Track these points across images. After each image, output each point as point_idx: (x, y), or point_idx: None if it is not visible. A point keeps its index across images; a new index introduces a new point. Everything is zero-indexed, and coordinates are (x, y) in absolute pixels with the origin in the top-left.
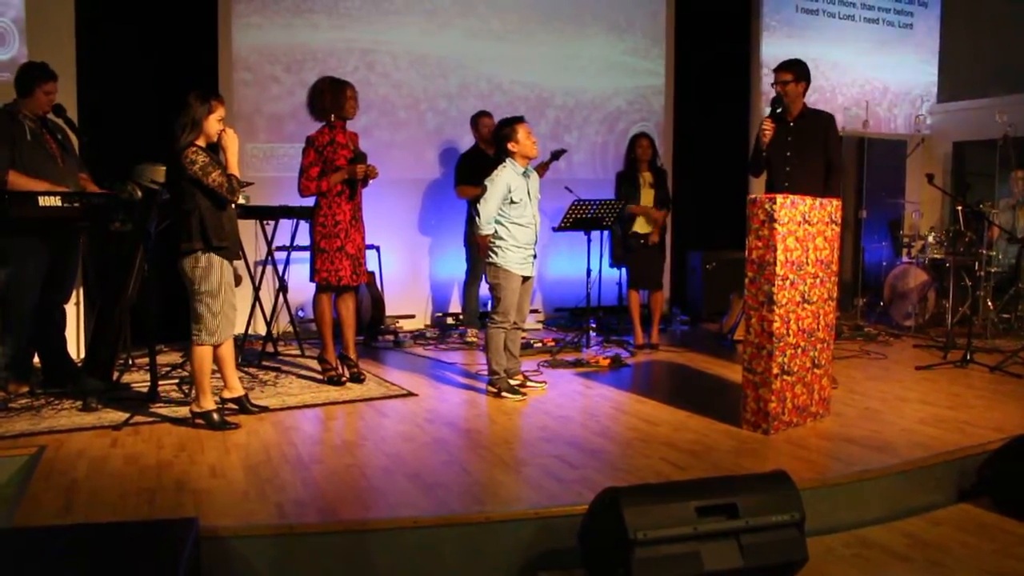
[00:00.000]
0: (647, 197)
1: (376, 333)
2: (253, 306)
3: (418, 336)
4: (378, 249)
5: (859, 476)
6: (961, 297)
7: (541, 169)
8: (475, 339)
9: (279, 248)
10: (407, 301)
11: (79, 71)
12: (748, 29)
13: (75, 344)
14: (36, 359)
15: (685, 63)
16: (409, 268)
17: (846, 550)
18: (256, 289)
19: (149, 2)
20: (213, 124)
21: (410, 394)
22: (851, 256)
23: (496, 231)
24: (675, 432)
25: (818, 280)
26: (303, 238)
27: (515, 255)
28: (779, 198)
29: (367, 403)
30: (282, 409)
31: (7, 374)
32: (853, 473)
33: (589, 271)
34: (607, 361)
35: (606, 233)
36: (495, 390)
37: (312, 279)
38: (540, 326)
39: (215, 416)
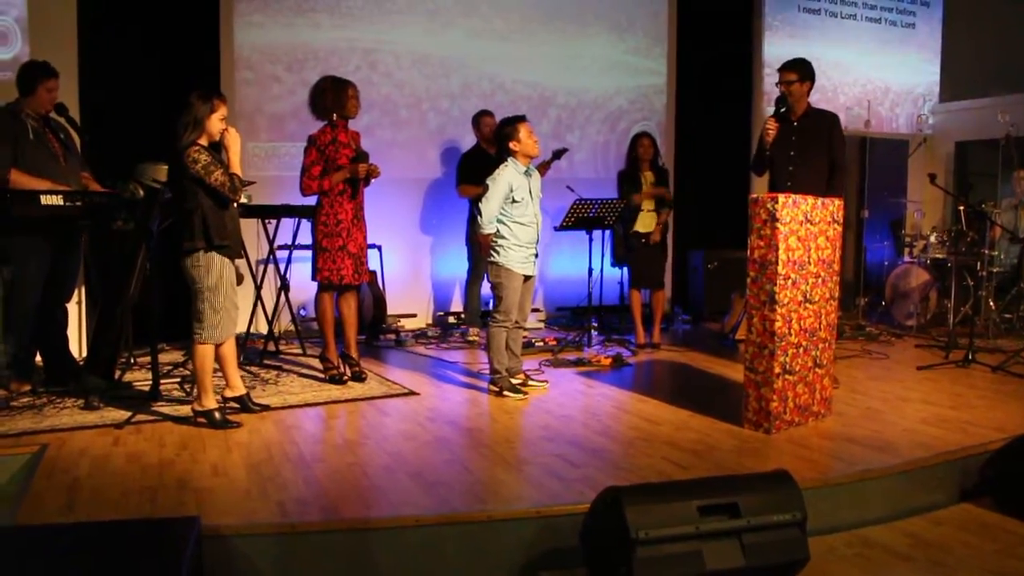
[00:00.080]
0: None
1: (378, 332)
2: (255, 305)
3: (420, 335)
4: (380, 248)
5: (861, 476)
6: (963, 297)
7: (542, 168)
8: (477, 338)
9: (281, 247)
10: (409, 300)
11: (81, 70)
12: (750, 28)
13: (77, 343)
14: (38, 358)
15: (687, 62)
16: (411, 267)
17: (848, 550)
18: (258, 288)
19: (151, 1)
20: (215, 123)
21: (412, 393)
22: (853, 256)
23: (498, 230)
24: (677, 431)
25: (820, 279)
26: (305, 237)
27: (517, 254)
28: (781, 197)
29: (369, 402)
30: (284, 408)
31: (9, 372)
32: (855, 473)
33: (591, 270)
34: (609, 360)
35: (607, 232)
36: (497, 389)
37: (314, 278)
38: (542, 325)
39: (217, 415)
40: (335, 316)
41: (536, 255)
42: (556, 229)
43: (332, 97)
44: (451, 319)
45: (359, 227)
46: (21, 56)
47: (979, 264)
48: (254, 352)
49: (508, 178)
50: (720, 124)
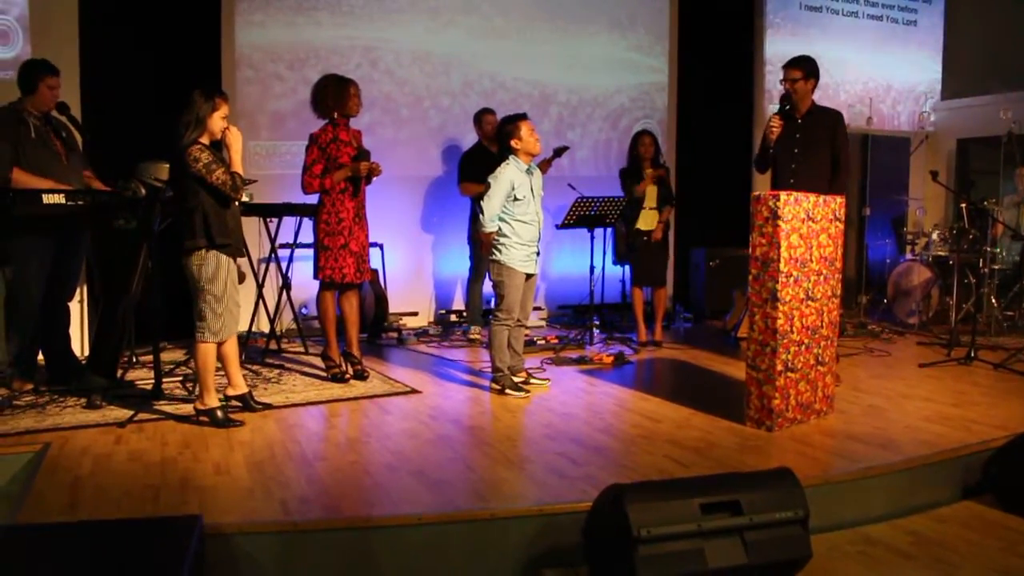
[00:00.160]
0: (650, 195)
1: (380, 330)
2: (257, 303)
3: (421, 333)
4: (381, 247)
5: (863, 473)
6: (965, 294)
7: (544, 166)
8: (479, 336)
9: (283, 245)
10: (410, 298)
11: (82, 69)
12: (751, 26)
13: (79, 342)
14: (40, 357)
15: (688, 60)
16: (412, 265)
17: (850, 547)
18: (260, 286)
19: (152, 0)
20: (217, 122)
21: (414, 391)
22: (855, 253)
23: (500, 228)
24: (679, 429)
25: (822, 277)
26: (307, 235)
27: (519, 252)
28: (783, 195)
29: (371, 400)
30: (286, 406)
31: (12, 371)
32: (857, 470)
33: (592, 268)
34: (610, 358)
35: (609, 230)
36: (499, 387)
37: (316, 276)
38: (543, 323)
39: (219, 413)
40: (337, 314)
41: (538, 253)
42: (558, 227)
43: (333, 95)
44: (453, 317)
45: (361, 225)
46: (23, 55)
47: (981, 261)
48: (256, 351)
49: (510, 176)
50: (721, 122)
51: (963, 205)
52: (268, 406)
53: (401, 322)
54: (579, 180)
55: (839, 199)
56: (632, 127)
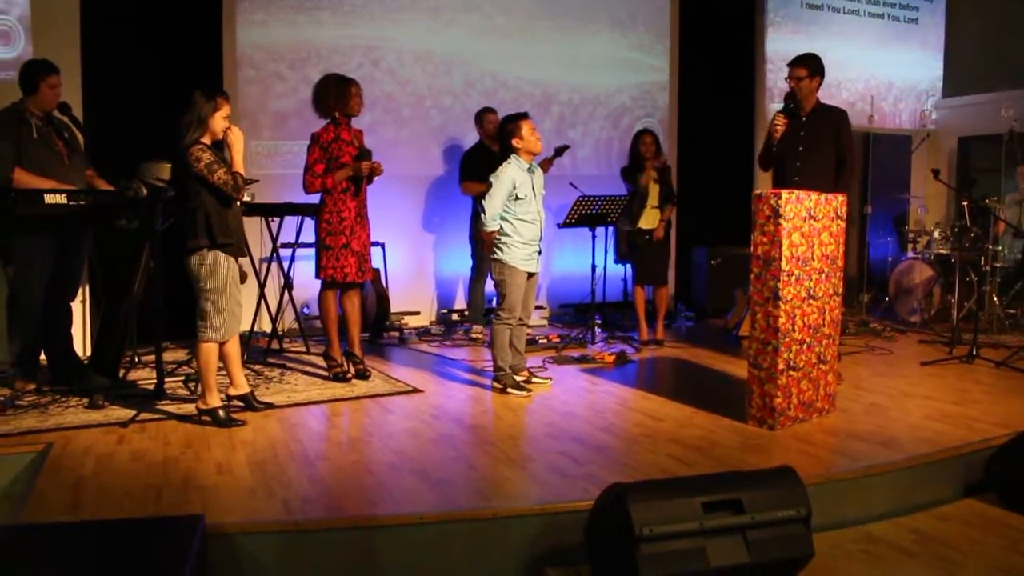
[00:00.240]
0: (653, 193)
1: (381, 330)
2: (258, 303)
3: (423, 333)
4: (383, 246)
5: (865, 472)
6: (967, 292)
7: (545, 165)
8: (480, 335)
9: (284, 245)
10: (412, 298)
11: (84, 69)
12: (752, 24)
13: (81, 341)
14: (42, 357)
15: (689, 59)
16: (414, 265)
17: (852, 546)
18: (261, 286)
19: (153, 0)
20: (218, 122)
21: (416, 390)
22: (856, 252)
23: (501, 227)
24: (680, 428)
25: (823, 276)
26: (308, 235)
27: (520, 251)
28: (784, 194)
29: (373, 400)
30: (288, 406)
31: (14, 371)
32: (859, 469)
33: (594, 267)
34: (612, 357)
35: (611, 229)
36: (500, 386)
37: (317, 276)
38: (545, 322)
39: (221, 413)
40: (339, 314)
41: (539, 252)
42: (559, 226)
43: (335, 95)
44: (455, 316)
45: (362, 225)
46: (24, 55)
47: (983, 259)
48: (258, 350)
49: (511, 175)
50: (723, 120)
51: (965, 203)
52: (270, 405)
53: (403, 321)
54: (580, 179)
55: (840, 197)
56: (633, 126)
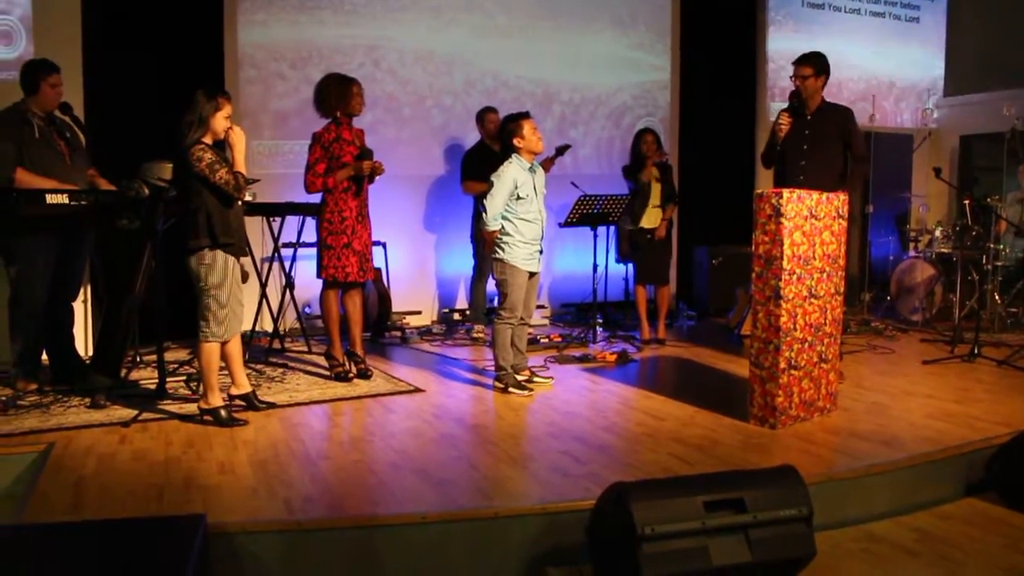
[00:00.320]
0: (654, 192)
1: (383, 329)
2: (260, 303)
3: (425, 332)
4: (384, 245)
5: (867, 471)
6: (968, 291)
7: (546, 164)
8: (482, 335)
9: (286, 245)
10: (414, 297)
11: (85, 69)
12: (753, 23)
13: (83, 341)
14: (44, 356)
15: (691, 58)
16: (415, 264)
17: (854, 545)
18: (263, 286)
19: (154, 0)
20: (220, 121)
21: (417, 390)
22: (858, 250)
23: (503, 227)
24: (682, 427)
25: (825, 274)
26: (309, 234)
27: (522, 251)
28: (785, 193)
29: (374, 399)
30: (289, 405)
31: (16, 371)
32: (860, 468)
33: (595, 266)
34: (614, 356)
35: (612, 228)
36: (502, 386)
37: (319, 275)
38: (546, 322)
39: (223, 413)
40: (340, 313)
41: (541, 251)
42: (560, 225)
43: (336, 94)
44: (456, 316)
45: (364, 224)
46: (25, 55)
47: (984, 258)
48: (260, 350)
49: (512, 175)
50: (724, 119)
51: (966, 202)
52: (272, 405)
53: (404, 321)
54: (582, 178)
55: (842, 196)
56: (635, 125)
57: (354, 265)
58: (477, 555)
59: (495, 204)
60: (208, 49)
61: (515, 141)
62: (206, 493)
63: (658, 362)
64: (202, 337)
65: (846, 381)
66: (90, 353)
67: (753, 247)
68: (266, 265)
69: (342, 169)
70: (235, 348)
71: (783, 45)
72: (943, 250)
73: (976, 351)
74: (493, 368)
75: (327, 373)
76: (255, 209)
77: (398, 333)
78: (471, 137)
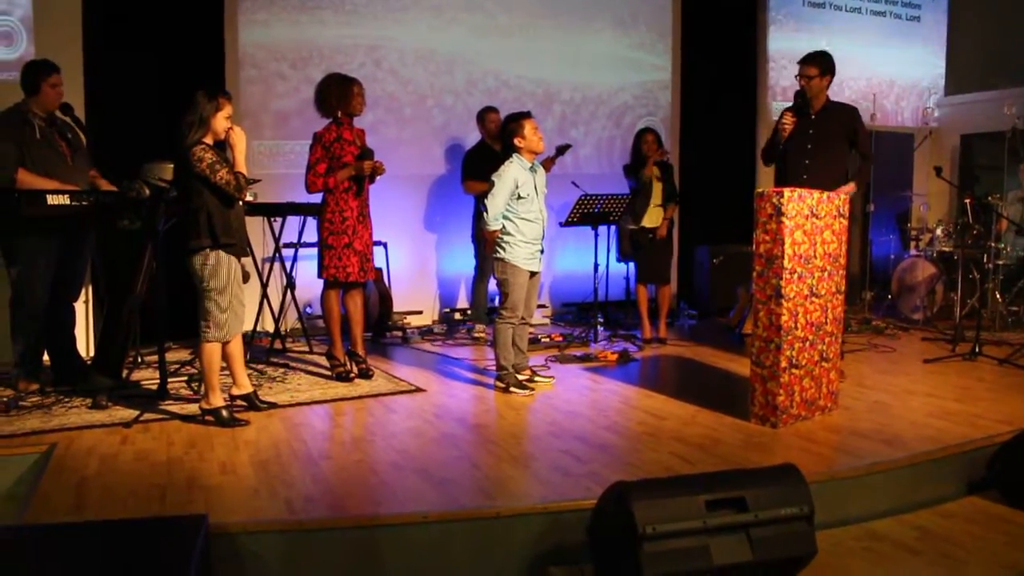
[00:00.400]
0: (656, 191)
1: (384, 329)
2: (261, 303)
3: (426, 332)
4: (385, 245)
5: (868, 469)
6: (969, 290)
7: (546, 164)
8: (483, 334)
9: (287, 245)
10: (415, 297)
11: (86, 70)
12: (754, 22)
13: (84, 342)
14: (46, 357)
15: (691, 57)
16: (416, 264)
17: (856, 543)
18: (264, 286)
19: (155, 0)
20: (220, 122)
21: (418, 390)
22: (859, 249)
23: (504, 226)
24: (683, 426)
25: (826, 273)
26: (310, 235)
27: (523, 250)
28: (786, 191)
29: (376, 399)
30: (291, 405)
31: (17, 372)
32: (862, 466)
33: (596, 266)
34: (615, 356)
35: (613, 228)
36: (503, 385)
37: (320, 275)
38: (548, 321)
39: (224, 413)
40: (341, 313)
41: (542, 251)
42: (561, 225)
43: (337, 94)
44: (457, 316)
45: (365, 224)
46: (26, 56)
47: (985, 257)
48: (261, 350)
49: (513, 174)
50: (725, 118)
51: (967, 200)
52: (273, 405)
53: (405, 320)
54: (583, 178)
55: (843, 196)
56: (635, 125)
57: (355, 265)
58: (479, 555)
59: (496, 204)
60: (209, 49)
61: (516, 141)
62: (208, 493)
63: (659, 361)
64: (203, 337)
65: (847, 380)
66: (91, 354)
67: (754, 246)
68: (267, 265)
69: (343, 169)
70: (236, 348)
71: (784, 44)
72: (944, 249)
73: (977, 350)
74: (494, 368)
75: (328, 373)
76: (256, 209)
77: (399, 333)
78: (472, 137)
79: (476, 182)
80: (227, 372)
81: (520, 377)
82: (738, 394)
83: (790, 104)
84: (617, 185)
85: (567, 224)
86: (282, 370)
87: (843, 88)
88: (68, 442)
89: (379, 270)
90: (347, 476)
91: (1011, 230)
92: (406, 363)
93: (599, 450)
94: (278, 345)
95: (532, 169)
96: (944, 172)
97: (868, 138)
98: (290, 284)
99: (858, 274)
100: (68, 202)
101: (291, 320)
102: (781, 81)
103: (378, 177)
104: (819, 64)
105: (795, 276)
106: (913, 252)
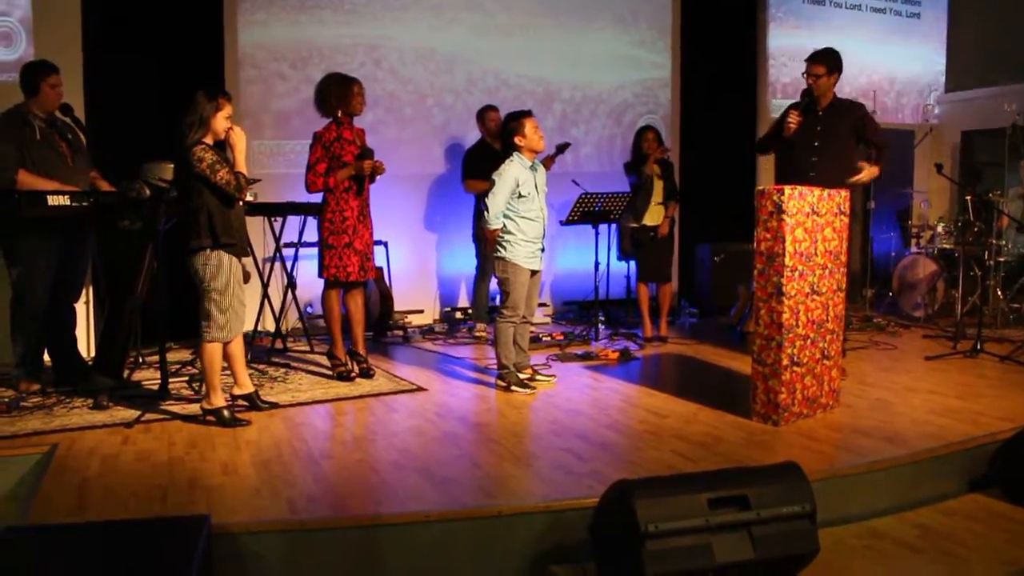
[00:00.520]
0: (657, 189)
1: (385, 328)
2: (262, 303)
3: (427, 331)
4: (386, 245)
5: (869, 467)
6: (971, 287)
7: (547, 162)
8: (484, 333)
9: (287, 245)
10: (415, 296)
11: (86, 70)
12: (754, 20)
13: (85, 342)
14: (47, 358)
15: (691, 55)
16: (417, 263)
17: (857, 541)
18: (265, 286)
19: (154, 1)
20: (220, 122)
21: (420, 389)
22: (860, 247)
23: (504, 225)
24: (685, 424)
25: (827, 271)
26: (311, 234)
27: (523, 249)
28: (787, 189)
29: (377, 398)
30: (292, 405)
31: (19, 372)
32: (863, 464)
33: (597, 264)
34: (616, 354)
35: (614, 226)
36: (504, 384)
37: (320, 275)
38: (549, 320)
39: (225, 413)
40: (342, 313)
41: (542, 250)
42: (562, 223)
43: (337, 94)
44: (458, 315)
45: (365, 224)
46: (25, 57)
47: (986, 254)
48: (262, 350)
49: (514, 173)
50: (725, 116)
51: (968, 197)
52: (274, 405)
53: (406, 320)
54: (583, 176)
55: (844, 192)
56: (636, 123)
57: (355, 265)
58: (480, 554)
59: (497, 202)
60: (208, 49)
61: (516, 139)
62: (209, 493)
63: (660, 360)
64: (204, 337)
65: (848, 377)
66: (92, 354)
67: (755, 244)
68: (268, 265)
69: (343, 169)
70: (237, 348)
71: (784, 42)
72: (945, 246)
73: (979, 347)
74: (495, 367)
75: (329, 373)
76: (256, 209)
77: (400, 332)
78: (472, 136)
79: (476, 181)
80: (228, 372)
81: (521, 376)
82: (739, 392)
83: (793, 102)
84: (618, 183)
85: (568, 222)
86: (283, 370)
87: (843, 85)
88: (69, 443)
89: (380, 269)
90: (348, 475)
91: (1012, 227)
92: (407, 362)
93: (601, 448)
94: (279, 345)
95: (533, 168)
96: (945, 169)
97: (878, 128)
98: (291, 284)
99: (859, 271)
100: (68, 203)
101: (292, 320)
102: (781, 78)
103: (378, 177)
104: (827, 63)
105: (796, 274)
106: (914, 249)
